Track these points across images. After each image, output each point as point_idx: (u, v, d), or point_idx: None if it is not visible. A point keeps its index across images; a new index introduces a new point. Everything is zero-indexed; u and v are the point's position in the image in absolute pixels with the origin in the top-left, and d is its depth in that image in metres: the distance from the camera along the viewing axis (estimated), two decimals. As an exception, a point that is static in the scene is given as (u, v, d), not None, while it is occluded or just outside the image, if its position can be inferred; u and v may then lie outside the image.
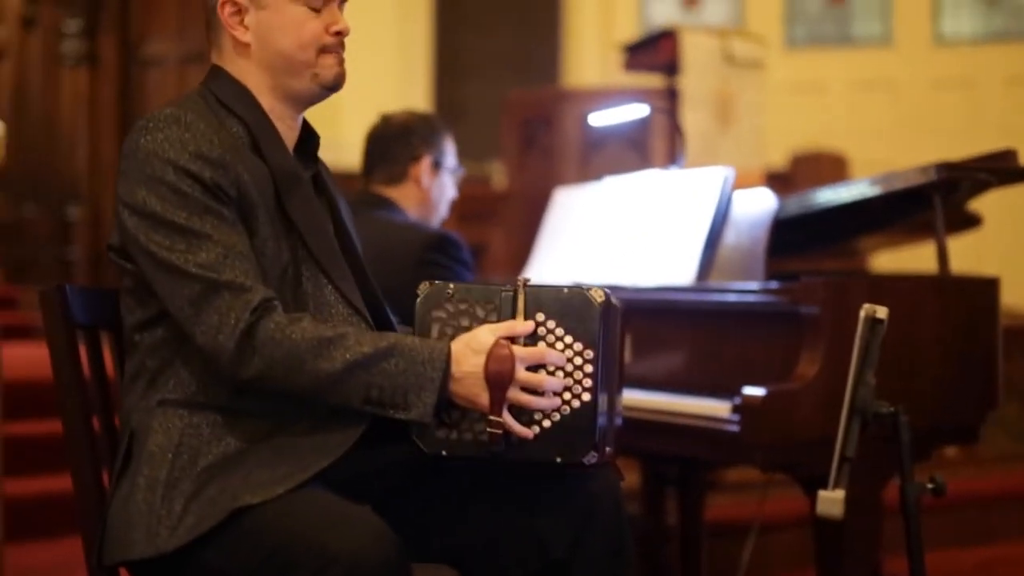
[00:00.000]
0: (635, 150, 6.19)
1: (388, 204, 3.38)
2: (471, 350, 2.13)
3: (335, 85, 2.32)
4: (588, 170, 6.06)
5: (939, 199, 3.07)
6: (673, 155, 5.70)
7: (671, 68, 5.88)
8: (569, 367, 2.17)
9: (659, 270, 3.31)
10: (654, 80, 6.33)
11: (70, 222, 9.32)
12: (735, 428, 2.79)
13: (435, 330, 2.23)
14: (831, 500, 1.77)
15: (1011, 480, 5.68)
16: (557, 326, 2.18)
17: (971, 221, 3.85)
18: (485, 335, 2.14)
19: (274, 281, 2.18)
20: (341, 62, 2.31)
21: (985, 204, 3.76)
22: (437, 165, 3.43)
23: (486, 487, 2.36)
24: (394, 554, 2.00)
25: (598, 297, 2.19)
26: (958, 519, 5.25)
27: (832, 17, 10.10)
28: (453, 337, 2.20)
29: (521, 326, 2.16)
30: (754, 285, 3.02)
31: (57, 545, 4.36)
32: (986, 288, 3.14)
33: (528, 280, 2.22)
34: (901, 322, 2.92)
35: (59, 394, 2.34)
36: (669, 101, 5.84)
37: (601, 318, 2.18)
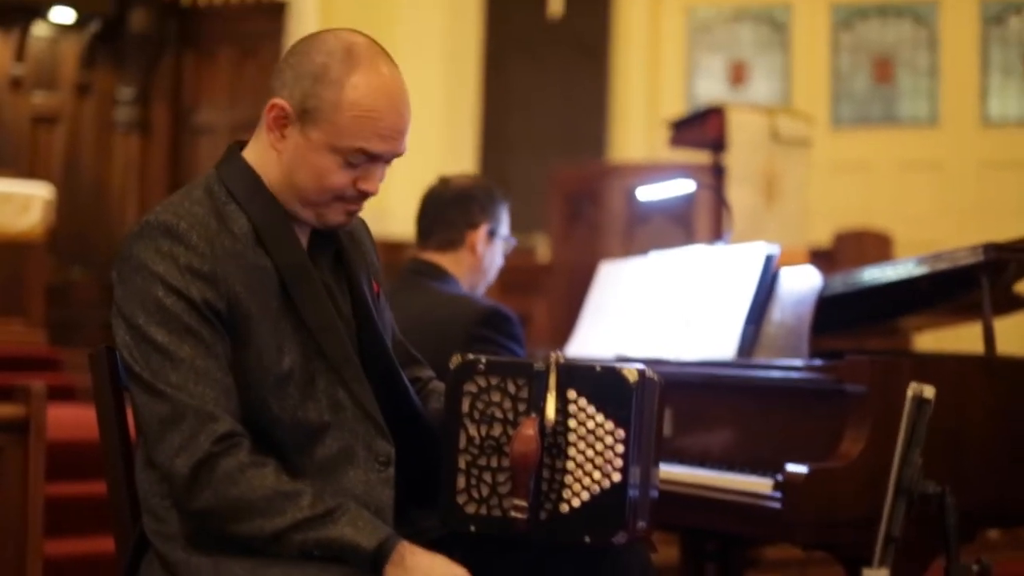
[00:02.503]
0: (680, 225, 6.20)
1: (440, 274, 3.30)
2: (425, 555, 2.10)
3: (335, 227, 2.27)
4: (632, 244, 6.09)
5: (986, 280, 3.06)
6: (718, 231, 5.71)
7: (717, 145, 5.90)
8: (599, 446, 2.14)
9: (701, 345, 3.31)
10: (700, 156, 6.36)
11: (116, 286, 9.40)
12: (777, 505, 2.77)
13: (466, 404, 2.21)
14: (875, 579, 1.75)
15: (1054, 565, 5.60)
16: (589, 403, 2.16)
17: (1018, 302, 3.83)
18: (445, 565, 2.09)
19: (270, 389, 2.14)
20: (351, 214, 2.25)
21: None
22: (492, 234, 3.35)
23: (519, 566, 2.35)
24: None
25: (632, 376, 2.16)
26: (1002, 604, 5.17)
27: (879, 97, 10.12)
28: (484, 413, 2.19)
29: None
30: (799, 362, 3.01)
31: (96, 608, 4.37)
32: (1033, 369, 3.12)
33: (561, 356, 2.20)
34: (947, 402, 2.90)
35: (105, 454, 2.35)
36: (715, 177, 5.86)
37: (635, 397, 2.15)
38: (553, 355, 2.20)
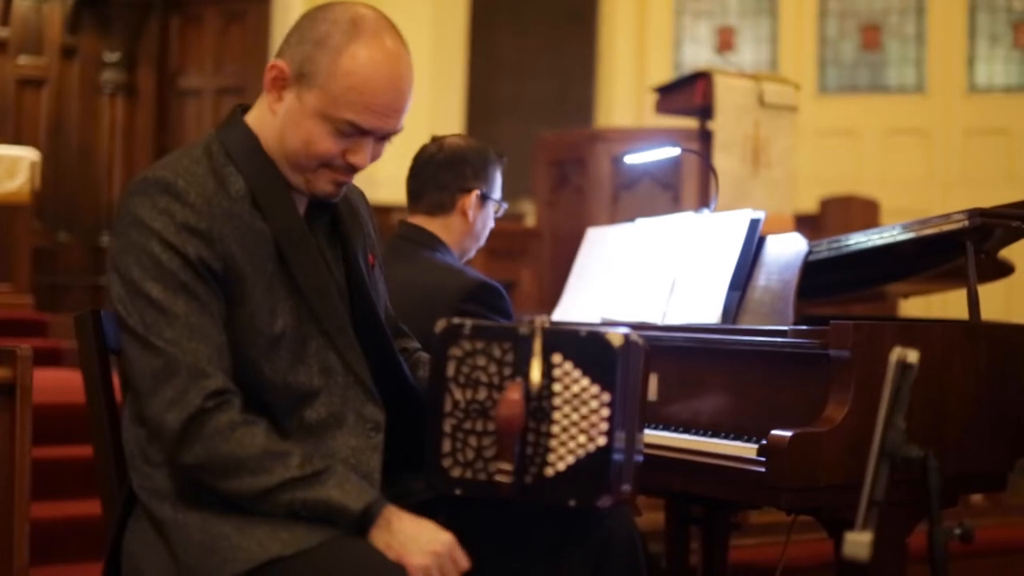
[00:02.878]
0: (666, 192, 6.20)
1: (431, 240, 3.26)
2: (412, 519, 2.12)
3: (323, 199, 2.27)
4: (619, 210, 6.08)
5: (972, 246, 3.07)
6: (705, 197, 5.72)
7: (704, 111, 5.90)
8: (584, 410, 2.16)
9: (686, 310, 3.32)
10: (687, 123, 6.36)
11: (103, 250, 9.40)
12: (761, 469, 2.78)
13: (451, 368, 2.22)
14: (858, 542, 1.76)
15: (1038, 530, 5.65)
16: (574, 368, 2.17)
17: (1004, 269, 3.84)
18: (440, 534, 2.11)
19: (262, 350, 2.15)
20: (339, 185, 2.25)
21: (1018, 254, 3.75)
22: (484, 198, 3.30)
23: (505, 529, 2.36)
24: None
25: (616, 340, 2.17)
26: (983, 567, 5.21)
27: (866, 64, 10.11)
28: (469, 377, 2.20)
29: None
30: (783, 327, 3.02)
31: (82, 571, 4.38)
32: (1018, 335, 3.13)
33: (546, 320, 2.20)
34: (931, 367, 2.92)
35: (91, 417, 2.36)
36: (701, 143, 5.86)
37: (619, 361, 2.17)
38: (538, 319, 2.20)
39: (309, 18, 2.23)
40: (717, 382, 3.16)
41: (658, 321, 3.38)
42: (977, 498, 5.68)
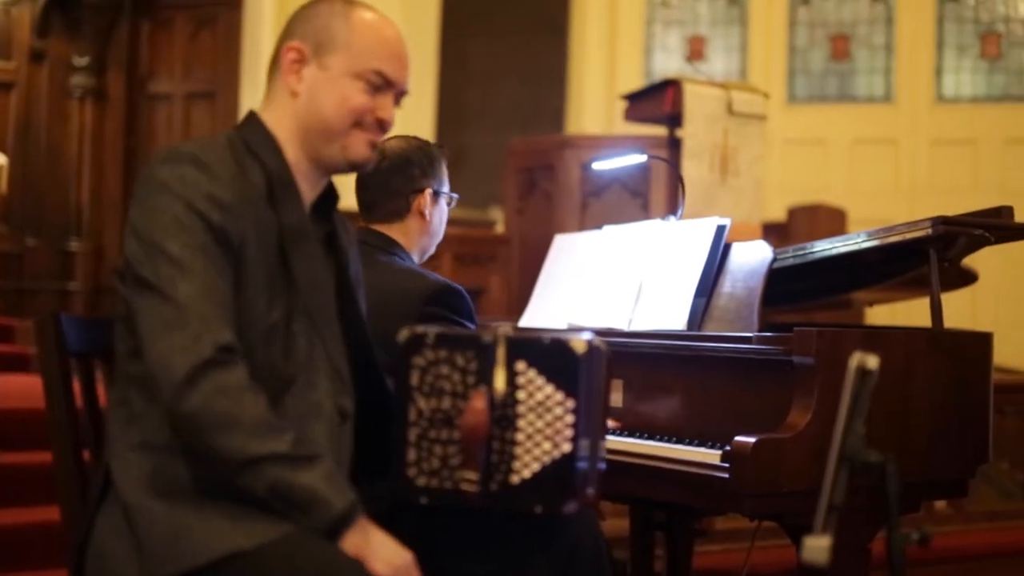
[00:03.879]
0: (635, 199, 6.22)
1: (391, 245, 3.24)
2: (381, 533, 2.11)
3: (360, 163, 2.33)
4: (588, 217, 6.10)
5: (935, 253, 3.09)
6: (673, 204, 5.73)
7: (673, 119, 5.92)
8: (549, 417, 2.16)
9: (652, 317, 3.33)
10: (657, 130, 6.37)
11: (71, 254, 9.35)
12: (725, 475, 2.79)
13: (415, 377, 2.22)
14: (817, 547, 1.77)
15: (999, 537, 5.68)
16: (538, 375, 2.17)
17: (967, 277, 3.86)
18: (403, 553, 2.10)
19: (257, 337, 2.16)
20: (373, 145, 2.32)
21: (982, 263, 3.78)
22: (436, 194, 3.29)
23: (472, 535, 2.37)
24: None
25: (580, 347, 2.17)
26: (945, 573, 5.24)
27: (834, 73, 10.16)
28: (433, 386, 2.20)
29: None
30: (748, 334, 3.03)
31: (46, 577, 4.35)
32: (979, 342, 3.15)
33: (509, 329, 2.21)
34: (894, 374, 2.94)
35: (50, 422, 2.34)
36: (670, 151, 5.87)
37: (582, 368, 2.17)
38: (501, 328, 2.21)
39: (303, 9, 2.33)
40: (682, 388, 3.17)
41: (624, 327, 3.39)
42: (940, 505, 5.72)
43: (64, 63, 9.72)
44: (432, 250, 3.39)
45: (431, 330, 2.24)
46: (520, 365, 2.18)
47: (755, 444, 2.74)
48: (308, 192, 2.32)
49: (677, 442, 3.02)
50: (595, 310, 3.51)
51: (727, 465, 2.79)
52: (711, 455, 2.86)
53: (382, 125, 2.31)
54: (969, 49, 9.87)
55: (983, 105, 9.72)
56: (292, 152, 2.29)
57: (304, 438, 2.16)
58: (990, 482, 6.37)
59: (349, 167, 2.33)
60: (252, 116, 2.33)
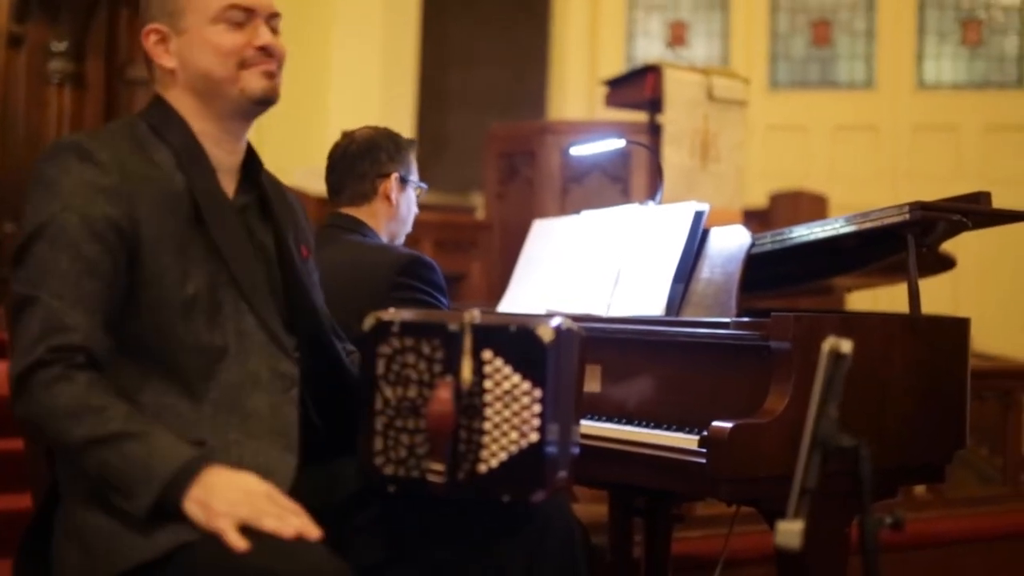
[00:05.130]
0: (616, 184, 6.21)
1: (359, 226, 3.33)
2: (232, 475, 2.04)
3: (265, 98, 2.31)
4: (568, 203, 6.09)
5: (912, 239, 3.08)
6: (654, 190, 5.72)
7: (653, 104, 5.91)
8: (516, 406, 2.15)
9: (630, 302, 3.32)
10: (638, 116, 6.36)
11: (49, 241, 9.28)
12: (702, 460, 2.79)
13: (381, 366, 2.21)
14: (789, 531, 1.76)
15: (978, 522, 5.70)
16: (505, 364, 2.16)
17: (946, 263, 3.87)
18: (253, 483, 2.04)
19: (172, 313, 2.15)
20: (270, 75, 2.31)
21: (963, 249, 3.78)
22: (404, 181, 3.38)
23: (440, 520, 2.36)
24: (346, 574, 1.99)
25: (546, 335, 2.16)
26: (925, 559, 5.26)
27: (816, 59, 10.16)
28: (399, 375, 2.19)
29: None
30: (725, 319, 3.03)
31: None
32: (957, 328, 3.15)
33: (476, 316, 2.19)
34: (871, 359, 2.94)
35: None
36: (651, 137, 5.86)
37: (549, 356, 2.15)
38: (467, 315, 2.19)
39: None
40: (660, 374, 3.17)
41: (603, 313, 3.38)
42: (919, 490, 5.73)
43: (42, 48, 9.66)
44: (401, 239, 3.43)
45: (397, 318, 2.22)
46: (487, 354, 2.17)
47: (732, 429, 2.73)
48: (226, 158, 2.32)
49: (655, 427, 3.01)
50: (573, 295, 3.50)
51: (704, 450, 2.79)
52: (688, 440, 2.86)
53: (268, 51, 2.30)
54: (950, 35, 9.88)
55: (964, 91, 9.74)
56: (198, 123, 2.29)
57: (239, 410, 2.16)
58: (969, 467, 6.40)
59: (255, 107, 2.32)
60: (154, 98, 2.34)
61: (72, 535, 2.11)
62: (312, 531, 2.01)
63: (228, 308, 2.21)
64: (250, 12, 2.28)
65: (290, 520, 2.00)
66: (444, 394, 2.13)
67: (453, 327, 2.18)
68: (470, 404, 2.17)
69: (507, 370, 2.16)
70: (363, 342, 2.24)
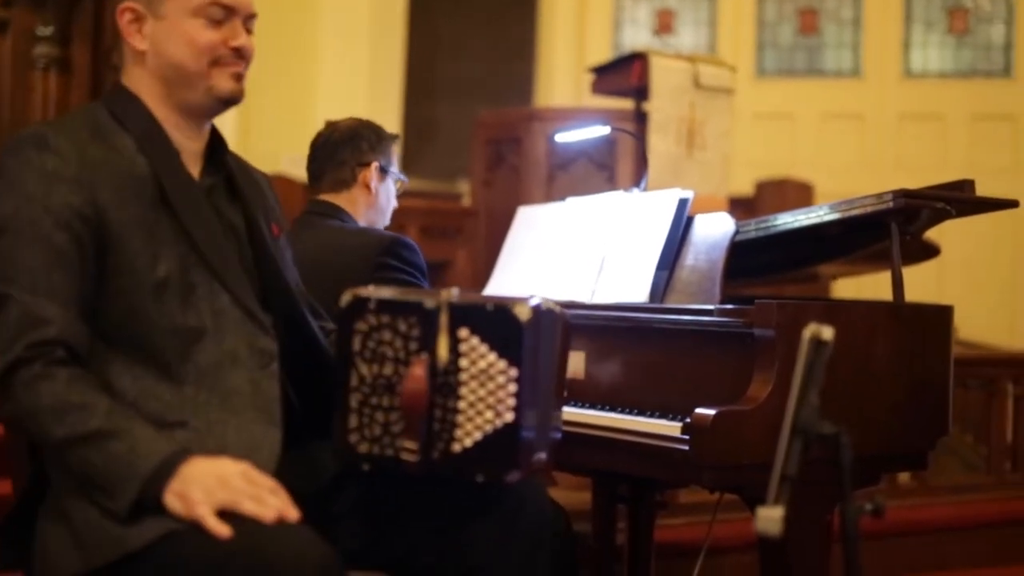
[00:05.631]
0: (602, 172, 6.21)
1: (338, 212, 3.36)
2: (208, 463, 2.04)
3: (230, 99, 2.32)
4: (554, 190, 6.09)
5: (896, 226, 3.09)
6: (640, 178, 5.72)
7: (640, 92, 5.90)
8: (491, 385, 2.14)
9: (615, 289, 3.32)
10: (625, 104, 6.36)
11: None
12: (685, 447, 2.79)
13: (357, 342, 2.20)
14: (769, 518, 1.77)
15: (962, 510, 5.71)
16: (481, 342, 2.15)
17: (930, 251, 3.87)
18: (228, 467, 2.04)
19: (144, 297, 2.14)
20: (238, 77, 2.31)
21: (947, 238, 3.78)
22: (384, 171, 3.41)
23: (414, 499, 2.35)
24: (332, 559, 1.99)
25: (523, 314, 2.14)
26: (910, 546, 5.28)
27: (803, 48, 10.16)
28: (375, 352, 2.18)
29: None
30: (709, 306, 3.03)
31: None
32: (940, 315, 3.16)
33: (453, 294, 2.18)
34: (854, 347, 2.94)
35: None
36: (637, 124, 5.86)
37: (526, 335, 2.14)
38: (444, 293, 2.18)
39: None
40: (644, 360, 3.17)
41: (587, 299, 3.38)
42: (904, 478, 5.75)
43: (28, 33, 9.59)
44: (379, 228, 3.45)
45: (374, 294, 2.21)
46: (463, 332, 2.15)
47: (715, 416, 2.73)
48: (188, 143, 2.31)
49: (639, 414, 3.01)
50: (558, 282, 3.50)
51: (687, 437, 2.79)
52: (671, 427, 2.86)
53: (240, 53, 2.30)
54: (937, 24, 9.89)
55: (950, 80, 9.75)
56: (160, 109, 2.28)
57: (220, 389, 2.16)
58: (954, 455, 6.42)
59: (221, 105, 2.32)
60: (116, 85, 2.34)
61: (60, 523, 2.11)
62: (291, 513, 2.01)
63: (201, 289, 2.20)
64: (230, 11, 2.28)
65: (268, 501, 2.01)
66: (418, 371, 2.12)
67: (430, 305, 2.17)
68: (445, 382, 2.16)
69: (483, 348, 2.14)
70: (340, 319, 2.23)
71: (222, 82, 2.28)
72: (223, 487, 2.00)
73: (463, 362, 2.15)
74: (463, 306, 2.16)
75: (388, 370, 2.19)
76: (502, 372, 2.13)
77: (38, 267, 2.08)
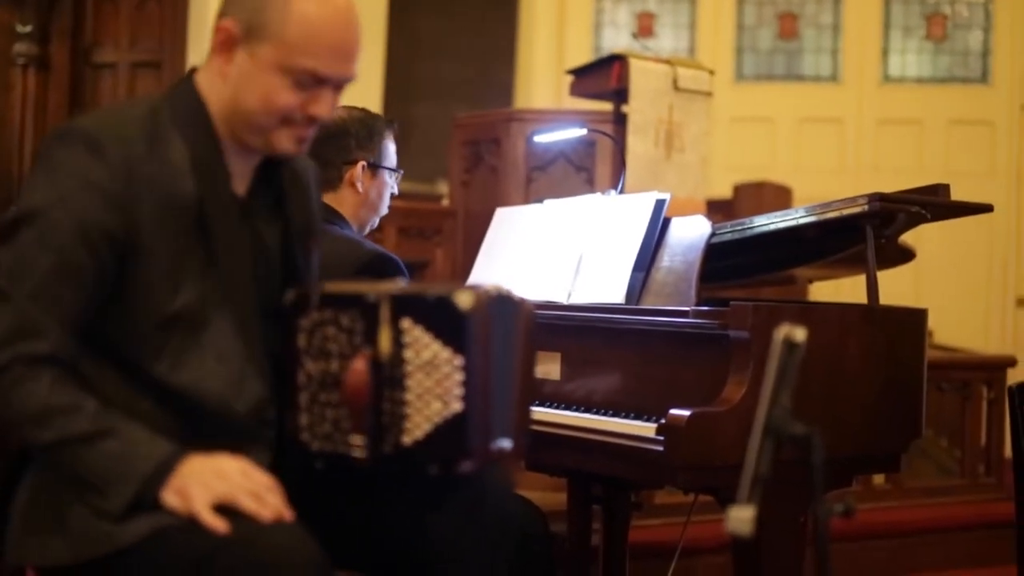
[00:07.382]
0: (580, 174, 6.21)
1: (329, 214, 3.22)
2: (206, 459, 2.03)
3: (284, 158, 2.24)
4: (533, 191, 6.08)
5: (871, 230, 3.11)
6: (618, 180, 5.73)
7: (619, 94, 5.91)
8: (438, 375, 2.09)
9: (591, 290, 3.33)
10: (604, 106, 6.36)
11: (12, 223, 9.22)
12: (659, 448, 2.80)
13: (302, 339, 2.18)
14: (740, 518, 1.78)
15: (936, 512, 5.74)
16: (424, 332, 2.10)
17: (905, 255, 3.89)
18: (227, 462, 2.04)
19: (153, 324, 2.09)
20: (300, 141, 2.20)
21: (924, 242, 3.80)
22: (374, 167, 3.30)
23: (370, 490, 2.34)
24: (322, 556, 1.99)
25: (465, 302, 2.09)
26: (885, 548, 5.30)
27: (782, 52, 10.19)
28: (320, 348, 2.15)
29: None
30: (685, 308, 3.04)
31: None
32: (913, 318, 3.18)
33: (395, 286, 2.14)
34: (828, 349, 2.96)
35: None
36: (615, 126, 5.86)
37: (470, 323, 2.09)
38: (384, 286, 2.14)
39: None
40: (620, 362, 3.18)
41: (563, 300, 3.39)
42: (878, 480, 5.77)
43: (7, 31, 9.59)
44: (374, 223, 3.39)
45: (316, 290, 2.19)
46: (406, 323, 2.11)
47: (689, 417, 2.75)
48: (240, 163, 2.22)
49: (614, 415, 3.03)
50: (535, 283, 3.51)
51: (662, 438, 2.80)
52: (646, 428, 2.87)
53: (314, 120, 2.18)
54: (915, 30, 9.92)
55: (928, 86, 9.78)
56: (221, 125, 2.18)
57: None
58: (928, 458, 6.44)
59: (273, 156, 2.24)
60: (188, 80, 2.21)
61: (48, 513, 2.09)
62: (286, 512, 2.01)
63: (213, 329, 2.14)
64: (322, 80, 2.14)
65: (267, 499, 2.00)
66: (359, 365, 2.10)
67: (371, 297, 2.13)
68: (391, 375, 2.12)
69: (427, 338, 2.10)
70: (286, 316, 2.20)
71: (283, 142, 2.18)
72: (221, 480, 1.99)
73: (408, 353, 2.11)
74: (405, 297, 2.12)
75: (334, 366, 2.16)
76: (447, 361, 2.09)
77: (48, 275, 2.01)
